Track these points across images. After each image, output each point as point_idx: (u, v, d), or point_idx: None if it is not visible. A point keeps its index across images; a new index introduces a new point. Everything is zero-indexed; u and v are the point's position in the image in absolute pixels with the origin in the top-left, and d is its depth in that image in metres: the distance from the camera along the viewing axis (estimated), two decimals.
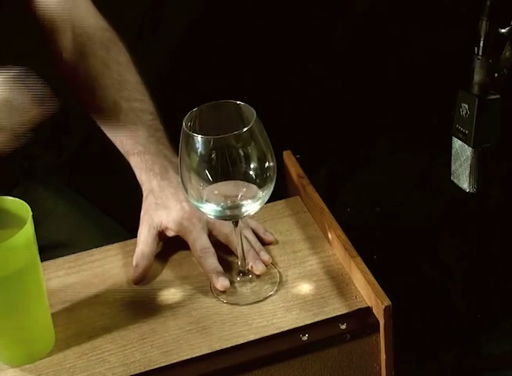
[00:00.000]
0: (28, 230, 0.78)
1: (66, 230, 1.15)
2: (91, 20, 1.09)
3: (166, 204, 0.95)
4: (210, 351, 0.83)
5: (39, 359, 0.84)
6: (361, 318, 0.85)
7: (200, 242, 0.93)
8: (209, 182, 0.81)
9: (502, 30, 0.87)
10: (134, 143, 1.00)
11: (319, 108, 1.89)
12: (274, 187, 0.83)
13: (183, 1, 1.83)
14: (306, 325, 0.85)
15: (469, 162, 0.93)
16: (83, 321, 0.88)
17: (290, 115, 1.85)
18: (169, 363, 0.82)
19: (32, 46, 1.12)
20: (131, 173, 1.00)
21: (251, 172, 0.81)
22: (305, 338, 0.83)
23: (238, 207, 0.83)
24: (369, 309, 0.85)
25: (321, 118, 1.88)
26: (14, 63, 0.80)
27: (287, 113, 1.84)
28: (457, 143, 0.94)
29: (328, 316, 0.85)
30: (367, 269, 0.86)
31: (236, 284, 0.91)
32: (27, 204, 0.80)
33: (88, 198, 1.25)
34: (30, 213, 0.79)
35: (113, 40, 1.08)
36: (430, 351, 1.51)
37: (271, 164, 0.81)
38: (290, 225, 0.99)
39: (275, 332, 0.84)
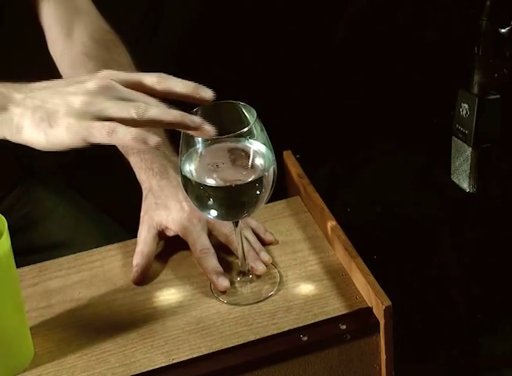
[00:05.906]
0: (4, 243, 0.75)
1: (66, 230, 1.15)
2: (93, 22, 1.09)
3: (166, 203, 0.95)
4: (210, 351, 0.83)
5: (15, 374, 0.81)
6: (361, 318, 0.85)
7: (200, 242, 0.93)
8: (209, 183, 0.80)
9: (503, 30, 0.87)
10: None
11: (319, 108, 1.89)
12: (274, 187, 0.83)
13: (183, 1, 1.83)
14: (306, 325, 0.84)
15: (469, 162, 0.93)
16: (83, 321, 0.88)
17: (290, 115, 1.85)
18: (169, 363, 0.82)
19: (34, 50, 1.12)
20: (131, 173, 1.00)
21: (251, 172, 0.80)
22: (305, 338, 0.83)
23: (238, 206, 0.82)
24: (369, 309, 0.85)
25: (321, 118, 1.88)
26: (15, 68, 0.80)
27: (287, 113, 1.84)
28: (457, 143, 0.94)
29: (328, 317, 0.85)
30: (367, 270, 0.86)
31: (237, 285, 0.90)
32: (2, 217, 0.76)
33: (88, 198, 1.25)
34: (6, 225, 0.75)
35: (115, 41, 1.08)
36: (430, 351, 1.51)
37: (271, 164, 0.81)
38: (290, 226, 0.99)
39: (275, 332, 0.84)
